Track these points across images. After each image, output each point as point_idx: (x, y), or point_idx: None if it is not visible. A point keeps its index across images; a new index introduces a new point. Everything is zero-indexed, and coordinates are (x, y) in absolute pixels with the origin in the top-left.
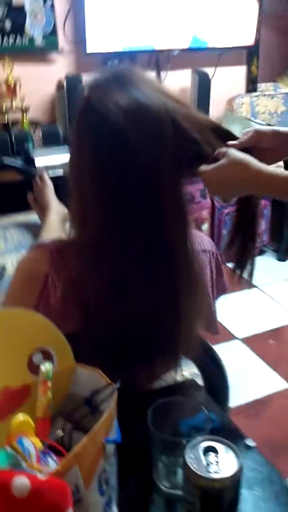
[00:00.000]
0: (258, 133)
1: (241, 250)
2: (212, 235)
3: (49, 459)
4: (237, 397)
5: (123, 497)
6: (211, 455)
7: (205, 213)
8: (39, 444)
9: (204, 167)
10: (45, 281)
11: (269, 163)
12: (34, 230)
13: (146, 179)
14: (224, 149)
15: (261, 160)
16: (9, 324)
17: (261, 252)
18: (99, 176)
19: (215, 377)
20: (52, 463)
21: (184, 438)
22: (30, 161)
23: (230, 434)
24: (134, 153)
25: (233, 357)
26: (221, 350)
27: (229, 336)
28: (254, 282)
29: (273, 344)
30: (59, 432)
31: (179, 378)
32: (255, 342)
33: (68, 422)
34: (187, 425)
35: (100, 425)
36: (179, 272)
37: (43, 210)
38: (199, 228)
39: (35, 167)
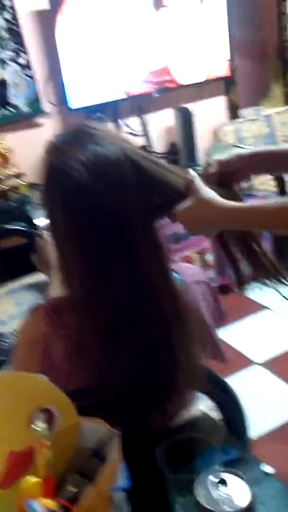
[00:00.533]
0: (219, 162)
1: (253, 266)
2: (219, 264)
3: None
4: (263, 423)
5: None
6: (221, 488)
7: (208, 243)
8: (50, 504)
9: (177, 208)
10: (45, 341)
11: (238, 182)
12: (45, 289)
13: (116, 224)
14: (193, 184)
15: (230, 182)
16: (9, 389)
17: None
18: (73, 229)
19: (229, 408)
20: None
21: (198, 475)
22: (32, 223)
23: (247, 464)
24: (101, 202)
25: (255, 382)
26: (242, 377)
27: (248, 362)
28: (264, 303)
29: None
30: (72, 488)
31: (196, 413)
32: (275, 365)
33: (80, 476)
34: (202, 462)
35: (104, 474)
36: (164, 306)
37: (48, 268)
38: (203, 259)
39: (36, 228)
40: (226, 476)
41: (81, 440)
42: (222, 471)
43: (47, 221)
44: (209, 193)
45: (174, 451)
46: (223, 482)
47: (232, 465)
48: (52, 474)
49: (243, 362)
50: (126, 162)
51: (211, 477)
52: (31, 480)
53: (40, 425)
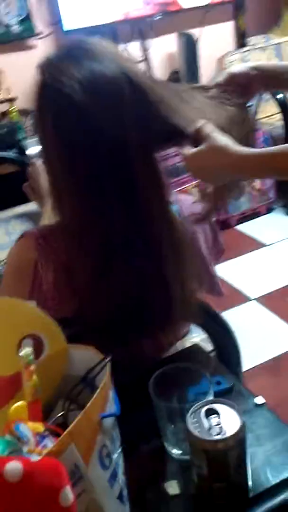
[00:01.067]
0: (231, 74)
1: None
2: None
3: (48, 442)
4: (256, 356)
5: (137, 468)
6: (213, 417)
7: None
8: (38, 428)
9: (185, 151)
10: (35, 269)
11: (245, 98)
12: (36, 219)
13: (112, 147)
14: (204, 131)
15: (241, 95)
16: None
17: (269, 210)
18: (66, 152)
19: (223, 340)
20: (50, 445)
21: (189, 404)
22: (23, 151)
23: (240, 394)
24: (96, 122)
25: (250, 318)
26: (237, 312)
27: (243, 298)
28: (263, 240)
29: None
30: (61, 413)
31: (188, 344)
32: (270, 301)
33: (68, 402)
34: (193, 391)
35: (94, 401)
36: (160, 237)
37: (40, 197)
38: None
39: (28, 156)
40: (217, 405)
41: (70, 367)
42: (214, 401)
43: (39, 145)
44: (223, 139)
45: (166, 380)
46: (214, 411)
47: (223, 395)
48: (40, 399)
49: (238, 297)
50: (125, 80)
51: (202, 406)
52: (19, 404)
53: (25, 350)
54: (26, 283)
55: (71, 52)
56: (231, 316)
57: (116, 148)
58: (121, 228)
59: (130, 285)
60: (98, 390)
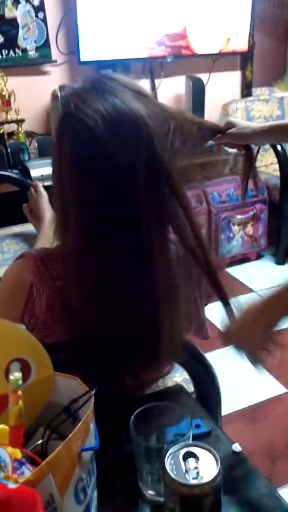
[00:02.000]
0: (232, 134)
1: None
2: (209, 241)
3: (25, 469)
4: (235, 402)
5: (108, 505)
6: (191, 461)
7: (202, 219)
8: (16, 454)
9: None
10: (29, 291)
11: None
12: (31, 240)
13: (123, 182)
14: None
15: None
16: None
17: (259, 256)
18: (78, 180)
19: (205, 383)
20: (28, 473)
21: (168, 444)
22: (26, 172)
23: (217, 440)
24: (111, 157)
25: (231, 362)
26: (218, 355)
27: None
28: (251, 286)
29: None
30: (40, 442)
31: (170, 384)
32: None
33: (49, 431)
34: (172, 432)
35: (76, 433)
36: (157, 274)
37: (38, 220)
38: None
39: (31, 178)
40: (195, 449)
41: (54, 394)
42: (193, 444)
43: (52, 169)
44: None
45: (147, 418)
46: (192, 454)
47: (202, 439)
48: (22, 424)
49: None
50: (143, 122)
51: (180, 448)
52: (0, 427)
53: (15, 374)
54: (19, 304)
55: (95, 85)
56: (214, 358)
57: (126, 183)
58: (121, 259)
59: (122, 317)
60: (80, 423)
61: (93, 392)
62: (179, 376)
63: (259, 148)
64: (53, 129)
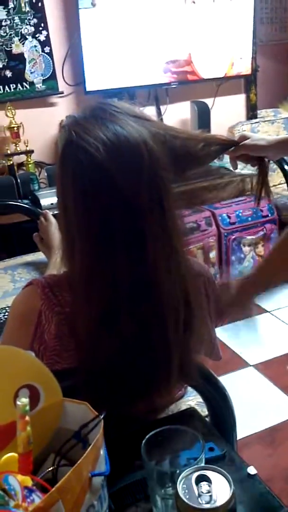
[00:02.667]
0: (245, 146)
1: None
2: (220, 262)
3: (35, 497)
4: (252, 425)
5: None
6: (204, 485)
7: (212, 241)
8: (27, 481)
9: None
10: (38, 318)
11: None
12: (42, 269)
13: (128, 208)
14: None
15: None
16: None
17: None
18: (82, 206)
19: (218, 405)
20: (38, 501)
21: (181, 469)
22: (36, 202)
23: (232, 463)
24: (114, 182)
25: (247, 384)
26: (235, 378)
27: (242, 363)
28: (265, 307)
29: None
30: (50, 469)
31: (184, 407)
32: (269, 368)
33: (59, 457)
34: (185, 456)
35: (85, 458)
36: (164, 300)
37: (49, 249)
38: (207, 255)
39: (41, 207)
40: (208, 472)
41: (64, 420)
42: (205, 467)
43: (56, 197)
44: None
45: (159, 442)
46: (205, 478)
47: (216, 462)
48: (31, 451)
49: (237, 362)
50: (145, 148)
51: (193, 472)
52: (10, 455)
53: (22, 400)
54: (28, 331)
55: (96, 112)
56: (229, 381)
57: (130, 206)
58: (128, 282)
59: (132, 341)
60: (90, 447)
61: (101, 416)
62: (192, 400)
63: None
64: (57, 159)
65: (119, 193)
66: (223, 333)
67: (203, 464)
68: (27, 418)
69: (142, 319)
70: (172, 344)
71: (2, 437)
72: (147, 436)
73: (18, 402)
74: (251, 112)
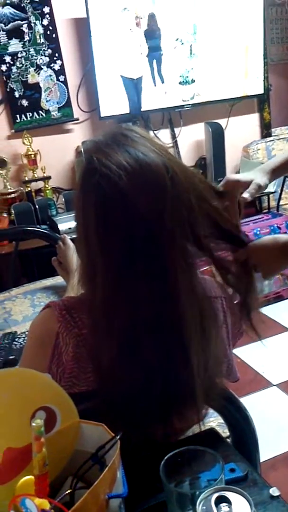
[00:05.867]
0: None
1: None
2: None
3: None
4: (277, 446)
5: None
6: (224, 506)
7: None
8: (44, 504)
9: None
10: (56, 340)
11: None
12: (61, 293)
13: (150, 234)
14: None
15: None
16: (11, 385)
17: None
18: (104, 234)
19: (240, 427)
20: None
21: (200, 490)
22: (54, 227)
23: (254, 484)
24: (137, 209)
25: (271, 404)
26: (258, 398)
27: (265, 383)
28: (286, 324)
29: None
30: (68, 491)
31: (204, 428)
32: None
33: (77, 480)
34: (205, 477)
35: (102, 479)
36: (187, 326)
37: (67, 272)
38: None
39: (59, 232)
40: (228, 493)
41: (80, 442)
42: (225, 488)
43: (75, 221)
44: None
45: (178, 463)
46: (226, 500)
47: (238, 484)
48: (47, 472)
49: (260, 382)
50: (166, 173)
51: (214, 494)
52: (27, 478)
53: (36, 421)
54: (46, 353)
55: (117, 138)
56: (252, 401)
57: (152, 234)
58: (149, 306)
59: (154, 364)
60: (106, 469)
61: (117, 437)
62: (213, 421)
63: (283, 184)
64: (77, 184)
65: (143, 221)
66: (244, 353)
67: (221, 485)
68: (42, 439)
69: (165, 346)
70: (194, 366)
71: (19, 460)
72: (165, 457)
73: (33, 424)
74: (265, 131)
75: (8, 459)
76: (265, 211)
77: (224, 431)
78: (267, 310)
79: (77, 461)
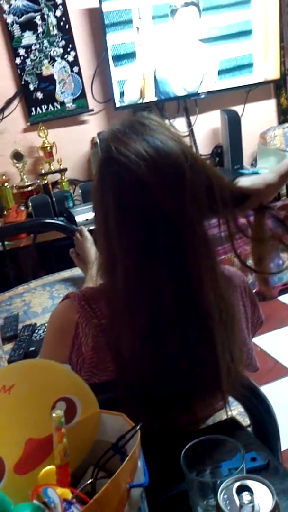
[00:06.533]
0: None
1: None
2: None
3: (74, 509)
4: None
5: None
6: (245, 495)
7: (249, 248)
8: (66, 494)
9: None
10: (75, 330)
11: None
12: (79, 284)
13: (170, 223)
14: None
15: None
16: (31, 377)
17: None
18: (124, 223)
19: (261, 416)
20: None
21: (221, 479)
22: (71, 219)
23: (276, 473)
24: (156, 199)
25: None
26: (278, 386)
27: (286, 372)
28: None
29: None
30: (90, 481)
31: (224, 417)
32: None
33: (98, 469)
34: (226, 466)
35: (123, 469)
36: (211, 312)
37: (85, 264)
38: (244, 263)
39: (76, 223)
40: (250, 482)
41: (101, 432)
42: (247, 477)
43: (94, 211)
44: None
45: (199, 452)
46: (247, 488)
47: (259, 473)
48: (69, 462)
49: (280, 370)
50: (185, 162)
51: (235, 483)
52: (48, 468)
53: (57, 412)
54: (66, 344)
55: (135, 126)
56: (272, 390)
57: (172, 223)
58: (172, 296)
59: (179, 355)
60: (127, 459)
61: (138, 427)
62: (234, 410)
63: None
64: (95, 174)
65: (162, 210)
66: (264, 342)
67: (243, 474)
68: (62, 430)
69: (188, 331)
70: (220, 355)
71: (40, 450)
72: (186, 447)
73: (53, 414)
74: (283, 117)
75: (29, 450)
76: (283, 198)
77: (245, 420)
78: (286, 298)
79: (99, 451)
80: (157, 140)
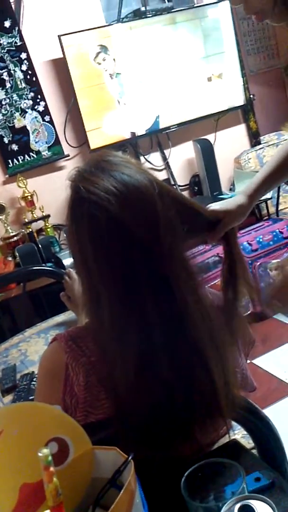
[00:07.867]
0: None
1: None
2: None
3: None
4: None
5: None
6: None
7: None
8: None
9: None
10: (66, 371)
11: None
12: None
13: (148, 252)
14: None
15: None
16: (21, 420)
17: None
18: (103, 260)
19: (264, 437)
20: None
21: (224, 503)
22: (59, 263)
23: (282, 491)
24: (132, 231)
25: None
26: (284, 405)
27: None
28: None
29: None
30: None
31: (226, 440)
32: None
33: (97, 508)
34: (230, 489)
35: (119, 502)
36: (200, 335)
37: (76, 305)
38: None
39: (64, 267)
40: (253, 502)
41: (97, 469)
42: (250, 497)
43: (72, 254)
44: None
45: (201, 477)
46: (249, 508)
47: (264, 492)
48: (63, 503)
49: (285, 389)
50: (154, 191)
51: (237, 504)
52: None
53: (43, 451)
54: (58, 386)
55: (100, 165)
56: (279, 409)
57: (150, 252)
58: (160, 324)
59: (175, 383)
60: (122, 491)
61: (129, 458)
62: (238, 433)
63: (279, 189)
64: (67, 216)
65: (138, 241)
66: (265, 362)
67: (244, 494)
68: (51, 469)
69: (181, 358)
70: (217, 379)
71: (36, 495)
72: (185, 474)
73: (39, 454)
74: (254, 140)
75: (25, 495)
76: (265, 218)
77: (249, 442)
78: (280, 316)
79: (97, 489)
80: (124, 174)
